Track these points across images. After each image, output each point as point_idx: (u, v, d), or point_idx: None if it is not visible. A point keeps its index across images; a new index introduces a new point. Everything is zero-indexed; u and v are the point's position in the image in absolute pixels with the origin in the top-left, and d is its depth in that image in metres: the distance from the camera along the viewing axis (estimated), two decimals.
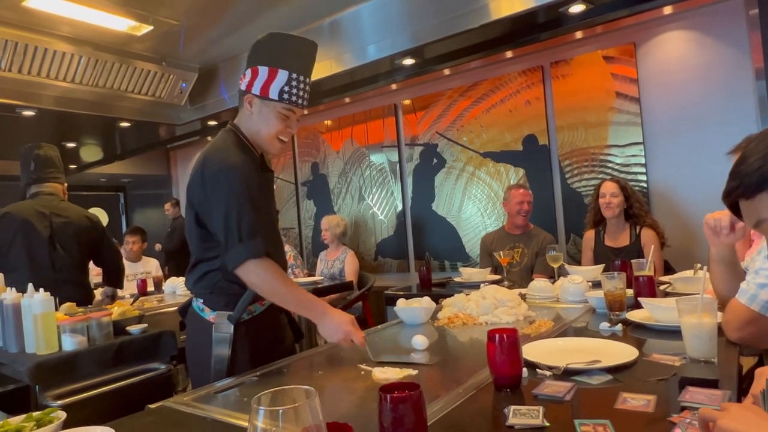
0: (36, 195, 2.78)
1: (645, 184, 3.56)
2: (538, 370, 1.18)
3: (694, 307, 1.19)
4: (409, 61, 3.59)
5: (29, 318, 1.94)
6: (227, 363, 1.52)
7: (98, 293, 3.51)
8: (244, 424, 1.01)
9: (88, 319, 2.03)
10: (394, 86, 4.54)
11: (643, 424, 0.88)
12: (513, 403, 0.99)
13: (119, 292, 3.80)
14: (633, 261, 2.21)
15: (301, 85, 1.57)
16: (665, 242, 3.05)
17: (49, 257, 2.69)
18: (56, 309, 2.06)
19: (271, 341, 1.68)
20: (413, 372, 1.28)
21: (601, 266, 2.55)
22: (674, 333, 1.35)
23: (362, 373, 1.33)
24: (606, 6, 2.94)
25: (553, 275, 2.73)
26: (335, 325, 1.47)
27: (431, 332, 1.80)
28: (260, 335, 1.61)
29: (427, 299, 1.95)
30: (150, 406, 1.18)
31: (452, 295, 2.08)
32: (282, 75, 1.53)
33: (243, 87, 1.59)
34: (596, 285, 2.07)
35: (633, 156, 3.61)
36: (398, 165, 4.75)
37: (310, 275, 4.51)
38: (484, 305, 1.88)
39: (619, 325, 1.57)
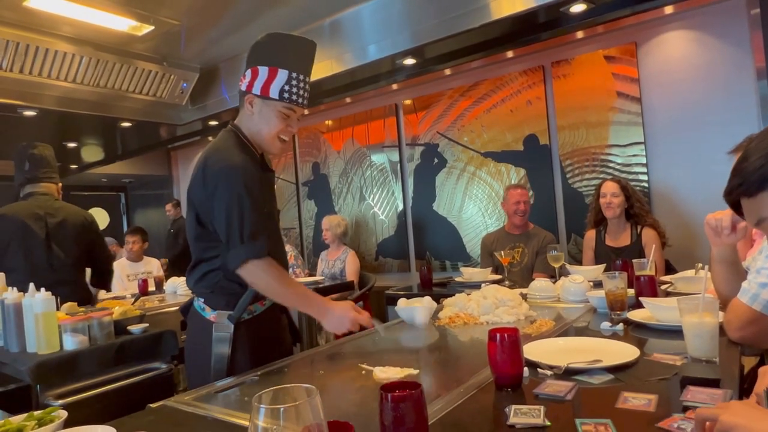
0: (30, 195, 2.75)
1: (646, 184, 3.56)
2: (539, 369, 1.18)
3: (695, 306, 1.19)
4: (409, 61, 3.59)
5: (30, 317, 1.94)
6: (227, 362, 1.52)
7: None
8: (245, 423, 1.01)
9: (89, 319, 2.03)
10: (394, 86, 4.54)
11: (645, 423, 0.88)
12: (514, 402, 0.99)
13: (122, 292, 3.81)
14: (634, 261, 2.21)
15: (301, 84, 1.58)
16: (666, 242, 3.04)
17: (46, 258, 2.67)
18: (57, 308, 2.06)
19: (272, 341, 1.68)
20: (414, 371, 1.27)
21: (602, 266, 2.55)
22: (675, 332, 1.35)
23: (363, 372, 1.33)
24: (607, 6, 2.94)
25: (553, 275, 2.73)
26: (339, 315, 1.51)
27: (432, 332, 1.80)
28: (260, 335, 1.61)
29: (428, 299, 1.94)
30: (151, 405, 1.18)
31: (453, 295, 2.08)
32: (282, 74, 1.55)
33: (243, 87, 1.60)
34: (597, 285, 2.07)
35: (634, 156, 3.60)
36: (399, 165, 4.75)
37: (310, 275, 4.52)
38: (485, 305, 1.88)
39: (621, 324, 1.57)
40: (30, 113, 3.90)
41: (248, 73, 1.58)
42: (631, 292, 1.81)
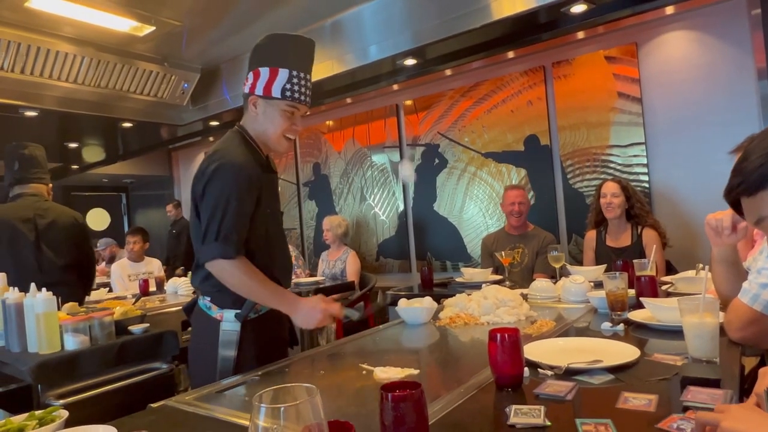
0: (19, 196, 2.71)
1: (647, 184, 3.55)
2: (539, 369, 1.18)
3: (696, 306, 1.19)
4: (410, 62, 3.60)
5: (32, 317, 1.94)
6: (233, 361, 1.53)
7: (97, 294, 3.51)
8: (246, 423, 1.01)
9: (90, 319, 2.03)
10: (395, 87, 4.54)
11: (645, 423, 0.88)
12: (514, 402, 0.99)
13: (122, 292, 3.81)
14: (635, 261, 2.21)
15: (303, 82, 1.61)
16: (667, 242, 3.04)
17: (35, 260, 2.63)
18: (58, 309, 2.06)
19: (277, 340, 1.70)
20: (415, 371, 1.28)
21: (603, 266, 2.55)
22: (676, 333, 1.35)
23: (363, 372, 1.33)
24: (607, 6, 2.94)
25: (554, 275, 2.73)
26: (308, 309, 1.53)
27: (433, 332, 1.80)
28: (266, 334, 1.62)
29: (428, 299, 1.95)
30: (152, 405, 1.18)
31: (454, 295, 2.08)
32: (283, 73, 1.57)
33: (246, 90, 1.63)
34: (598, 285, 2.07)
35: (635, 156, 3.60)
36: (400, 165, 4.75)
37: (311, 275, 4.52)
38: (485, 305, 1.88)
39: (621, 324, 1.57)
40: (31, 114, 3.90)
41: (250, 75, 1.61)
42: (632, 292, 1.81)
